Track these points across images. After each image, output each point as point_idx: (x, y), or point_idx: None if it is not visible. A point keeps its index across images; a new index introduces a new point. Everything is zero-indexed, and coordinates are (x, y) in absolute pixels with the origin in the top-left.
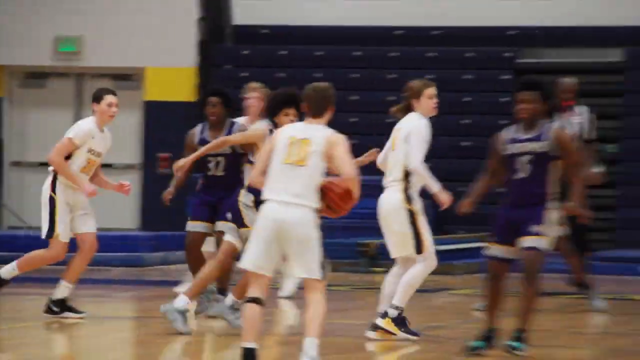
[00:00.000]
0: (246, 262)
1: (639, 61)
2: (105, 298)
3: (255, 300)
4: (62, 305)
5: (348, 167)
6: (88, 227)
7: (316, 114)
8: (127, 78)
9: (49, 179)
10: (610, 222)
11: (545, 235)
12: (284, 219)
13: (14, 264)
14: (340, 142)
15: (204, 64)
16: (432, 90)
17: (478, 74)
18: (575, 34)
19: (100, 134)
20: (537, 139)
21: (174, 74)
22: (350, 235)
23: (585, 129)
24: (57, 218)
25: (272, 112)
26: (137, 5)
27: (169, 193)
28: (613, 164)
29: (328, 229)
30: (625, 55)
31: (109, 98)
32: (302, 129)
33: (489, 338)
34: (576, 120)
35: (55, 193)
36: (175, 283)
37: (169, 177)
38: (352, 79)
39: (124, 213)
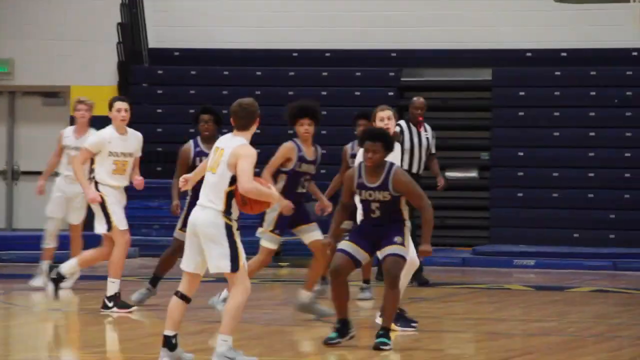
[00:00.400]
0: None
1: (505, 80)
2: (40, 291)
3: (178, 294)
4: (115, 301)
5: (242, 179)
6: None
7: (240, 127)
8: (54, 95)
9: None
10: (485, 220)
11: (403, 245)
12: (196, 222)
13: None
14: (244, 155)
15: (123, 83)
16: (381, 114)
17: (366, 91)
18: (450, 56)
19: (119, 137)
20: (381, 187)
21: (97, 92)
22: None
23: (431, 143)
24: (110, 211)
25: (290, 122)
26: (63, 31)
27: (176, 207)
28: (487, 169)
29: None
30: (493, 74)
31: (117, 105)
32: (225, 139)
33: (342, 330)
34: (424, 135)
35: (99, 191)
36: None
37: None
38: (255, 96)
39: None
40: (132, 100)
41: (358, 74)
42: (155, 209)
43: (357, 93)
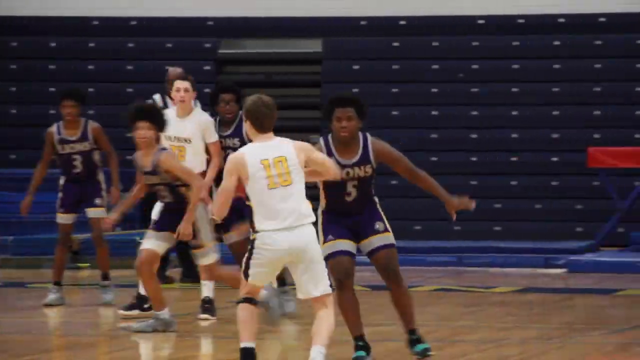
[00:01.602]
0: None
1: (336, 52)
2: None
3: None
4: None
5: (330, 165)
6: None
7: (271, 127)
8: None
9: None
10: (313, 212)
11: (388, 230)
12: (300, 245)
13: None
14: (308, 146)
15: None
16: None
17: (179, 65)
18: (274, 25)
19: (177, 120)
20: (361, 162)
21: None
22: (54, 231)
23: None
24: None
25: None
26: None
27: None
28: None
29: (31, 225)
30: (323, 46)
31: (175, 84)
32: (271, 147)
33: (366, 346)
34: None
35: None
36: None
37: None
38: (50, 71)
39: None
40: None
41: (169, 45)
42: (6, 203)
43: (169, 67)
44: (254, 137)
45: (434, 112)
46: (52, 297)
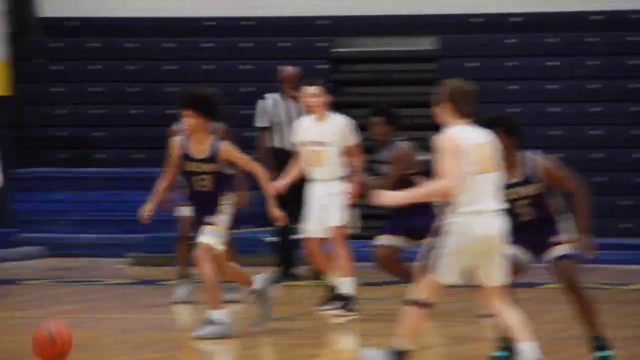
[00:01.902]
0: None
1: (450, 49)
2: None
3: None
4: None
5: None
6: None
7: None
8: None
9: None
10: None
11: (564, 242)
12: (494, 232)
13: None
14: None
15: (14, 58)
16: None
17: (294, 64)
18: (388, 23)
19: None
20: (527, 182)
21: None
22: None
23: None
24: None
25: None
26: None
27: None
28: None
29: (162, 222)
30: (437, 43)
31: (303, 90)
32: (473, 131)
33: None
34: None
35: None
36: None
37: None
38: (166, 71)
39: None
40: (24, 79)
41: (283, 44)
42: (60, 202)
43: (281, 67)
44: (452, 122)
45: (551, 109)
46: (179, 293)
